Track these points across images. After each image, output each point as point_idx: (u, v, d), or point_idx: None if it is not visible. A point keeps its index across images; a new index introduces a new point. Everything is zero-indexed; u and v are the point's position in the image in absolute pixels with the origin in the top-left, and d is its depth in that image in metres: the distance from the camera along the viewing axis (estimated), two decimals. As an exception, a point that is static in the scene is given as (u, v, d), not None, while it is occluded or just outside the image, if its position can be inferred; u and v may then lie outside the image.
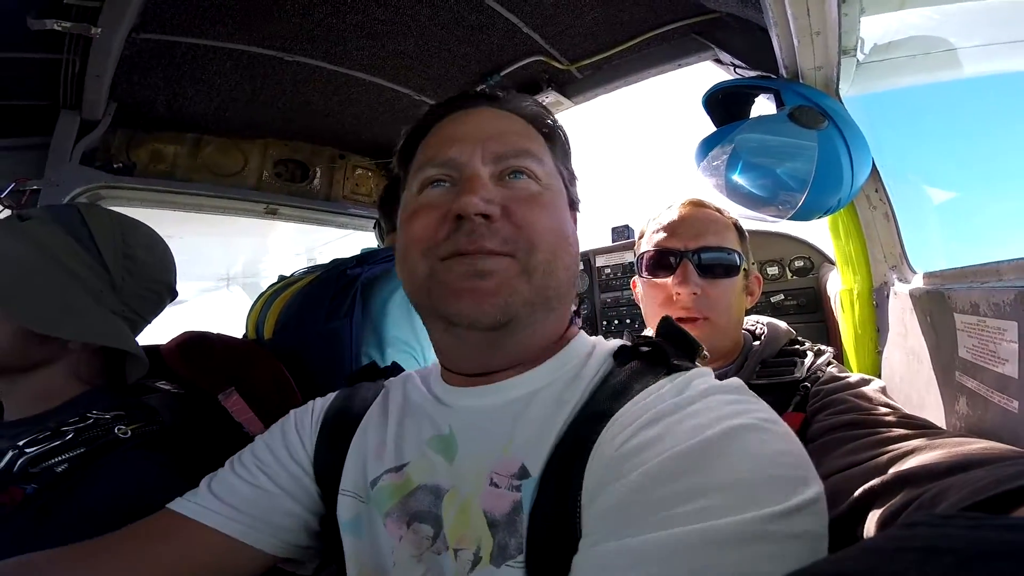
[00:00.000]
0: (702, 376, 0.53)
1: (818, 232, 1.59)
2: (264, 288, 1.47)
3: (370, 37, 1.30)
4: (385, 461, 0.60)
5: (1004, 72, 1.09)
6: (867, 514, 0.61)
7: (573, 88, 1.50)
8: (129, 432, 0.82)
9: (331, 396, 0.74)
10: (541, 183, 0.61)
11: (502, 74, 1.45)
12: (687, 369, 0.55)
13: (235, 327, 1.62)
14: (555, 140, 0.68)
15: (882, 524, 0.56)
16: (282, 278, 1.44)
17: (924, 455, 0.59)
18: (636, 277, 1.20)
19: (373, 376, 0.79)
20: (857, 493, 0.63)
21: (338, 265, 1.31)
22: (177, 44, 1.25)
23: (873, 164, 1.09)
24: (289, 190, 1.78)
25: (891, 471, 0.60)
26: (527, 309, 0.56)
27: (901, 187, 1.16)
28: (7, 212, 1.35)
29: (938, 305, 0.85)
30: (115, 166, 1.49)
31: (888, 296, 1.09)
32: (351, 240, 2.20)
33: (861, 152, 1.04)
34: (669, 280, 1.06)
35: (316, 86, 1.48)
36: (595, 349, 0.63)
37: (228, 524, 0.60)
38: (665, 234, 1.10)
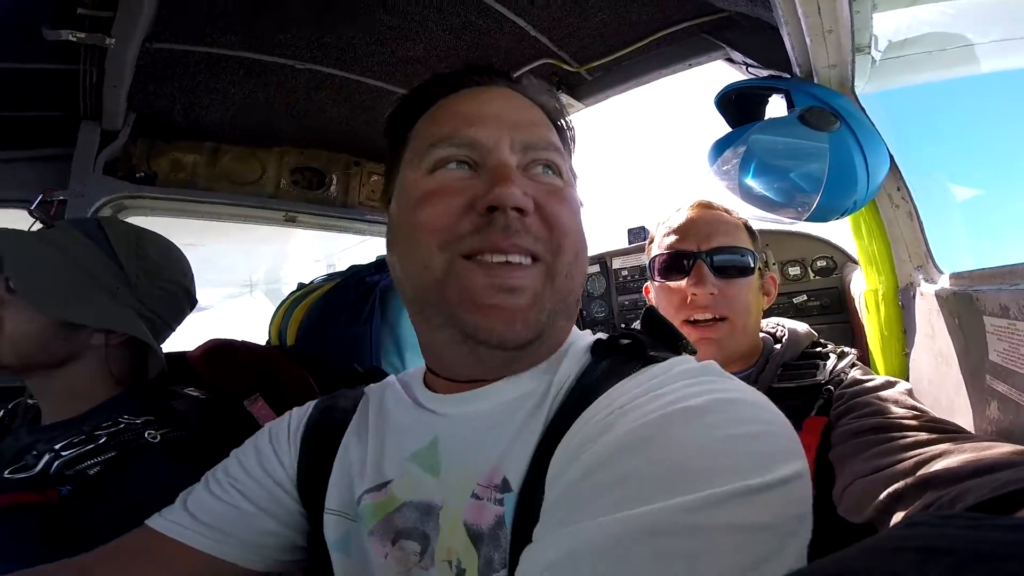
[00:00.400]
0: (679, 364, 0.50)
1: (840, 231, 1.55)
2: (285, 294, 1.50)
3: (379, 44, 1.32)
4: (366, 479, 0.58)
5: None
6: (891, 518, 0.60)
7: (583, 90, 1.49)
8: (158, 436, 0.85)
9: (308, 407, 0.71)
10: (563, 179, 0.59)
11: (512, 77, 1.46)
12: (665, 359, 0.51)
13: (259, 331, 1.65)
14: (566, 137, 0.65)
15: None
16: (302, 286, 1.47)
17: (950, 459, 0.58)
18: (648, 283, 1.19)
19: (353, 382, 0.76)
20: (882, 496, 0.61)
21: (357, 272, 1.34)
22: (190, 53, 1.28)
23: (893, 162, 1.06)
24: (307, 197, 1.81)
25: (916, 474, 0.59)
26: (551, 320, 0.54)
27: (925, 185, 1.12)
28: (37, 224, 1.41)
29: (966, 307, 0.82)
30: (137, 175, 1.54)
31: (914, 297, 1.05)
32: (368, 246, 2.23)
33: (876, 152, 1.01)
34: (683, 282, 1.05)
35: (329, 93, 1.50)
36: (572, 345, 0.59)
37: (203, 542, 0.60)
38: (676, 237, 1.09)
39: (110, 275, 0.91)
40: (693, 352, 0.56)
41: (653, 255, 1.15)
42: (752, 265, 1.07)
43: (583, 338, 0.60)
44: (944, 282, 0.98)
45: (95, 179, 1.45)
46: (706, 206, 1.13)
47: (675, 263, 1.08)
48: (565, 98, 1.47)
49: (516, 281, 0.51)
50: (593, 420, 0.45)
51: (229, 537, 0.61)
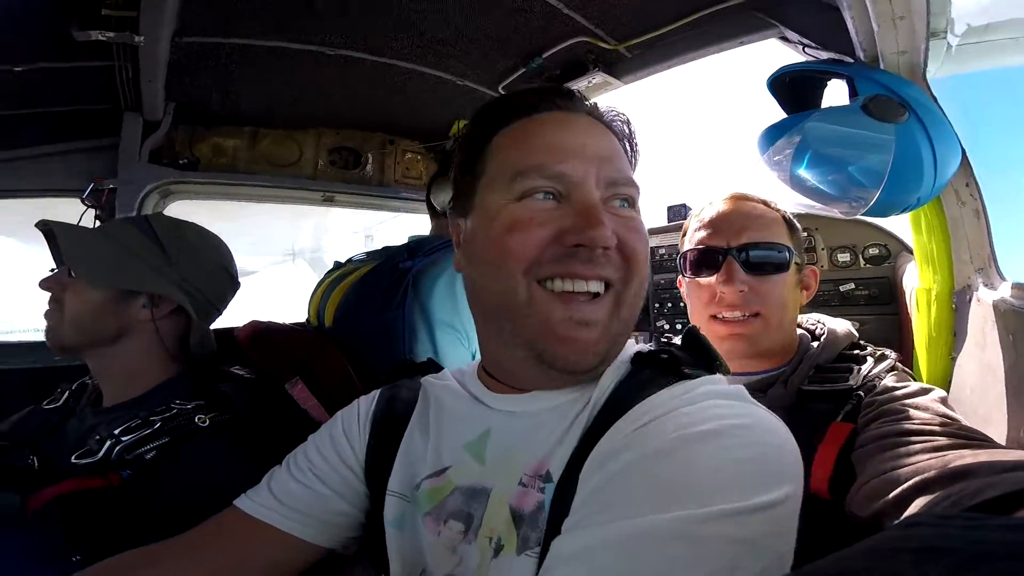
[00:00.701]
0: (708, 383, 0.54)
1: (897, 218, 1.44)
2: (325, 263, 1.55)
3: (407, 27, 1.29)
4: (427, 466, 0.64)
5: None
6: (907, 509, 0.59)
7: (622, 68, 1.41)
8: (207, 421, 0.92)
9: (373, 396, 0.76)
10: (637, 209, 0.63)
11: (544, 56, 1.40)
12: (697, 376, 0.56)
13: (298, 296, 1.73)
14: (633, 160, 0.68)
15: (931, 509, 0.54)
16: (338, 264, 1.52)
17: (984, 456, 0.57)
18: (680, 276, 1.16)
19: (410, 373, 0.81)
20: (904, 486, 0.60)
21: (391, 257, 1.37)
22: (221, 45, 1.30)
23: (964, 156, 0.97)
24: (344, 177, 1.84)
25: (948, 467, 0.57)
26: (615, 345, 0.60)
27: (997, 182, 1.02)
28: (90, 211, 1.51)
29: (1025, 328, 0.77)
30: (181, 162, 1.61)
31: (969, 301, 0.99)
32: (402, 220, 2.26)
33: (947, 145, 0.93)
34: (713, 279, 1.02)
35: (360, 77, 1.50)
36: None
37: (287, 523, 0.67)
38: (707, 231, 1.05)
39: (153, 255, 1.01)
40: (726, 372, 0.60)
41: (684, 250, 1.11)
42: (788, 260, 1.01)
43: (627, 348, 0.64)
44: (1005, 291, 0.91)
45: (141, 167, 1.52)
46: (740, 198, 1.07)
47: (704, 259, 1.04)
48: (602, 76, 1.41)
49: (590, 315, 0.57)
50: (624, 430, 0.50)
51: (309, 518, 0.67)
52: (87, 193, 1.50)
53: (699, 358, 0.60)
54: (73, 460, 0.87)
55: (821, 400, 0.90)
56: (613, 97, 1.50)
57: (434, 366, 0.84)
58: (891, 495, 0.62)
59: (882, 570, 0.22)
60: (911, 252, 1.41)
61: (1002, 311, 0.86)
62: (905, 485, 0.60)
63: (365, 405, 0.76)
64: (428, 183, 1.56)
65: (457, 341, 1.24)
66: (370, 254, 1.49)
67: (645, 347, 0.64)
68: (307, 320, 1.51)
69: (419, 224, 2.10)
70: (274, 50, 1.32)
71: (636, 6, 1.21)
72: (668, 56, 1.33)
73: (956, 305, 1.06)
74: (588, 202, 0.57)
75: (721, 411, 0.48)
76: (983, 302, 0.93)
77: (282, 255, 3.40)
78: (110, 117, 1.48)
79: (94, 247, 1.00)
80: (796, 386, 0.95)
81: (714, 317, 1.03)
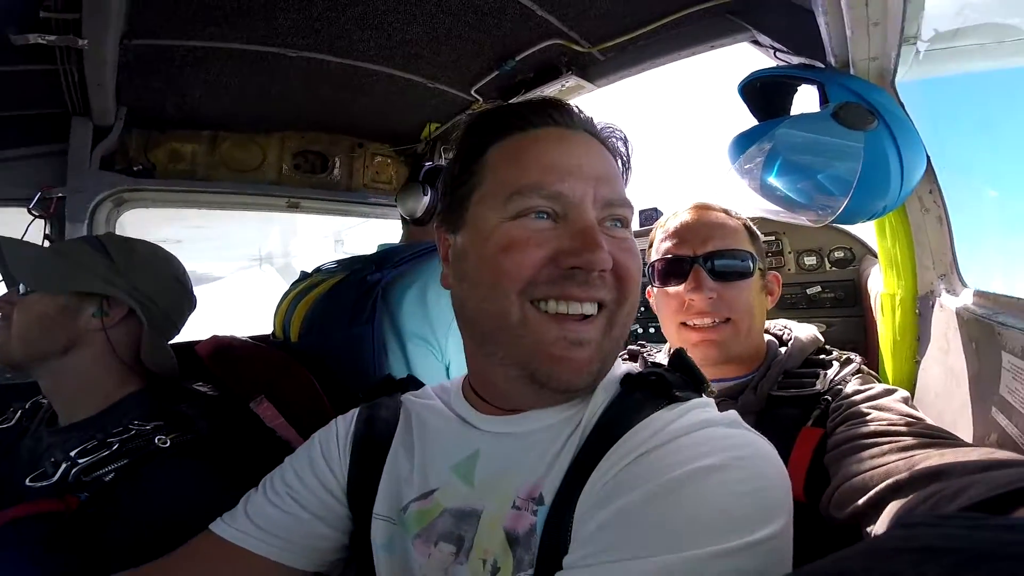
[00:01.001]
0: (700, 407, 0.55)
1: (861, 223, 1.48)
2: (294, 270, 1.50)
3: (373, 28, 1.24)
4: (414, 489, 0.63)
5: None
6: (883, 510, 0.60)
7: (595, 71, 1.40)
8: (168, 441, 0.88)
9: (352, 417, 0.75)
10: (630, 230, 0.63)
11: (518, 59, 1.37)
12: (688, 400, 0.56)
13: (266, 301, 1.66)
14: (626, 177, 0.68)
15: (901, 515, 0.55)
16: (305, 275, 1.47)
17: (956, 455, 0.57)
18: (649, 287, 1.17)
19: (389, 390, 0.80)
20: (877, 489, 0.62)
21: (359, 269, 1.33)
22: (174, 48, 1.22)
23: (929, 163, 0.99)
24: (310, 182, 1.77)
25: (918, 467, 0.58)
26: (605, 364, 0.60)
27: (960, 188, 1.05)
28: (38, 221, 1.41)
29: (986, 336, 0.79)
30: (135, 168, 1.52)
31: (932, 306, 1.02)
32: (372, 224, 2.20)
33: (914, 152, 0.94)
34: (681, 288, 1.03)
35: (325, 79, 1.44)
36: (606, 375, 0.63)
37: (265, 548, 0.65)
38: (673, 241, 1.07)
39: (101, 265, 0.99)
40: (713, 395, 0.61)
41: (651, 260, 1.12)
42: (752, 267, 1.04)
43: (615, 368, 0.64)
44: (967, 298, 0.94)
45: (92, 174, 1.43)
46: (703, 208, 1.10)
47: (672, 268, 1.06)
48: (575, 80, 1.39)
49: (583, 335, 0.57)
50: (622, 459, 0.50)
51: (288, 543, 0.66)
52: (34, 202, 1.40)
53: (688, 380, 0.61)
54: (28, 483, 0.84)
55: (790, 405, 0.93)
56: (587, 100, 1.49)
57: (414, 382, 0.83)
58: (865, 497, 0.63)
59: (882, 570, 0.22)
60: (875, 256, 1.45)
61: (964, 319, 0.88)
62: (879, 487, 0.61)
63: (344, 426, 0.74)
64: (400, 189, 1.52)
65: (430, 354, 1.21)
66: (339, 263, 1.45)
67: (634, 368, 0.64)
68: (272, 334, 1.45)
69: (390, 228, 2.06)
70: (231, 52, 1.25)
71: (609, 9, 1.19)
72: (641, 59, 1.33)
73: (920, 310, 1.08)
74: (585, 223, 0.57)
75: (720, 442, 0.48)
76: (946, 308, 0.95)
77: (249, 260, 3.29)
78: (58, 122, 1.39)
79: (42, 258, 1.00)
80: (766, 392, 0.98)
81: (684, 324, 1.05)
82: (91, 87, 1.21)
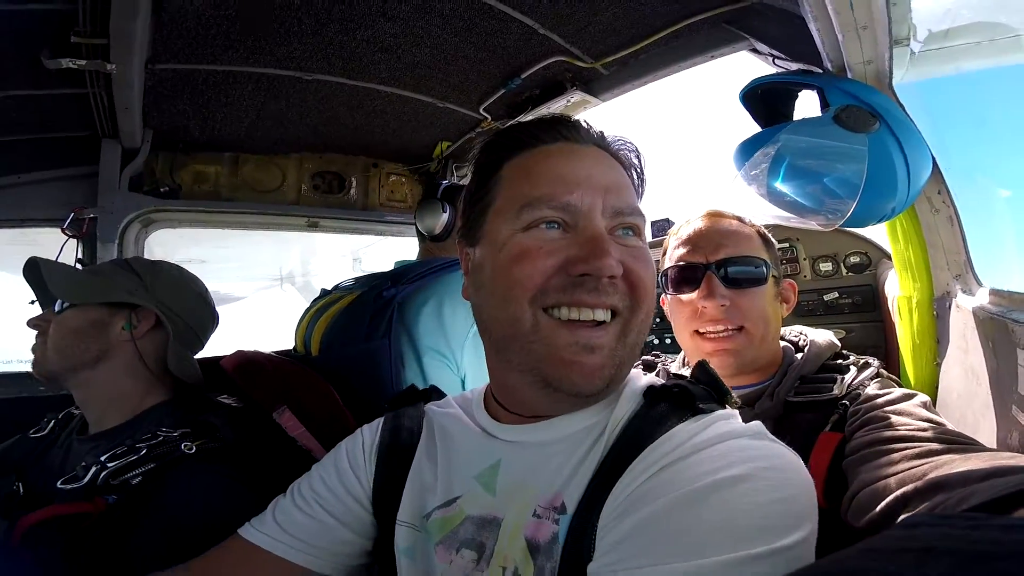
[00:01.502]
0: (724, 419, 0.55)
1: (876, 227, 1.46)
2: (313, 287, 1.54)
3: (384, 51, 1.30)
4: (438, 496, 0.64)
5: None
6: (895, 521, 0.59)
7: (599, 85, 1.43)
8: (194, 448, 0.92)
9: (377, 425, 0.77)
10: (643, 238, 0.64)
11: (523, 76, 1.41)
12: (711, 411, 0.56)
13: (287, 320, 1.71)
14: (640, 189, 0.69)
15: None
16: (325, 292, 1.51)
17: (964, 464, 0.57)
18: (662, 295, 1.17)
19: (413, 400, 0.81)
20: (888, 500, 0.61)
21: (375, 286, 1.36)
22: (196, 72, 1.30)
23: (935, 163, 0.98)
24: (327, 202, 1.83)
25: (925, 479, 0.58)
26: (620, 370, 0.60)
27: (968, 187, 1.03)
28: (71, 241, 1.49)
29: (1002, 334, 0.78)
30: (162, 189, 1.60)
31: (950, 308, 1.00)
32: (388, 243, 2.25)
33: (919, 153, 0.94)
34: (695, 295, 1.03)
35: (340, 101, 1.50)
36: (626, 386, 0.64)
37: (292, 553, 0.67)
38: (686, 248, 1.07)
39: (128, 281, 1.06)
40: (736, 406, 0.61)
41: (664, 268, 1.12)
42: (765, 274, 1.03)
43: (638, 379, 0.65)
44: (983, 297, 0.92)
45: (121, 195, 1.51)
46: (716, 215, 1.10)
47: (685, 275, 1.06)
48: (580, 95, 1.43)
49: (596, 340, 0.57)
50: (647, 470, 0.50)
51: (315, 548, 0.68)
52: (68, 223, 1.48)
53: (711, 392, 0.61)
54: (59, 485, 0.87)
55: (807, 411, 0.91)
56: (597, 114, 1.52)
57: (437, 393, 0.85)
58: (878, 508, 0.62)
59: (883, 570, 0.22)
60: (891, 259, 1.43)
61: (981, 318, 0.86)
62: (889, 499, 0.61)
63: (370, 434, 0.76)
64: (415, 208, 1.57)
65: (445, 367, 1.23)
66: (356, 281, 1.49)
67: (657, 380, 0.65)
68: (294, 348, 1.49)
69: (406, 247, 2.10)
70: (251, 76, 1.32)
71: (609, 24, 1.23)
72: (643, 72, 1.35)
73: (937, 312, 1.06)
74: (594, 232, 0.58)
75: (746, 453, 0.48)
76: (962, 308, 0.93)
77: (270, 280, 3.38)
78: (88, 145, 1.47)
79: (77, 276, 1.09)
80: (783, 398, 0.96)
81: (697, 332, 1.04)
82: (119, 110, 1.29)
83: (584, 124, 0.67)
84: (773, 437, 0.53)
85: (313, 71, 1.34)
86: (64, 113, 1.36)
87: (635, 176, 0.68)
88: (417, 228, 1.54)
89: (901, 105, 0.97)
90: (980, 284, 0.96)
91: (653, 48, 1.28)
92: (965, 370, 0.92)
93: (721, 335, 1.01)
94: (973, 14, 0.90)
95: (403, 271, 1.39)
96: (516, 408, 0.65)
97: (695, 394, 0.58)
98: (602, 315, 0.58)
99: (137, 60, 1.15)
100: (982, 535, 0.22)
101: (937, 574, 0.20)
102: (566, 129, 0.65)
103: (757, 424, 0.55)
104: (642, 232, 0.64)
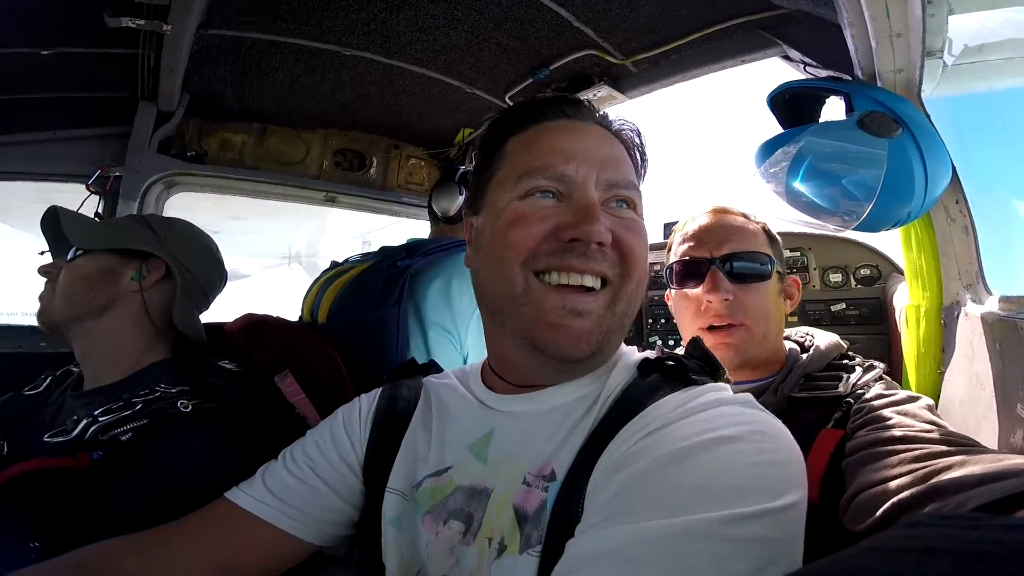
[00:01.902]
0: (715, 390, 0.56)
1: (888, 241, 1.48)
2: (321, 268, 1.56)
3: (422, 31, 1.33)
4: (429, 465, 0.64)
5: None
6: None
7: (627, 82, 1.46)
8: (190, 406, 0.90)
9: (375, 395, 0.77)
10: (638, 212, 0.65)
11: (552, 68, 1.44)
12: (703, 383, 0.57)
13: (294, 300, 1.72)
14: (642, 169, 0.71)
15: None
16: (335, 264, 1.52)
17: (961, 469, 0.57)
18: (667, 290, 1.18)
19: (412, 372, 0.82)
20: (886, 506, 0.62)
21: (389, 256, 1.37)
22: (242, 39, 1.32)
23: (955, 173, 1.00)
24: (347, 179, 1.86)
25: (925, 484, 0.59)
26: (608, 339, 0.61)
27: (987, 199, 1.05)
28: (92, 198, 1.51)
29: (1011, 334, 0.79)
30: (189, 154, 1.62)
31: (958, 316, 1.01)
32: (402, 227, 2.28)
33: (939, 161, 0.96)
34: (699, 289, 1.05)
35: (372, 79, 1.53)
36: (620, 359, 0.65)
37: (280, 518, 0.66)
38: (690, 244, 1.09)
39: (144, 236, 1.07)
40: (729, 382, 0.62)
41: (669, 263, 1.14)
42: (770, 270, 1.05)
43: (631, 354, 0.66)
44: (992, 304, 0.94)
45: (149, 156, 1.54)
46: (721, 211, 1.11)
47: (690, 270, 1.07)
48: (607, 90, 1.45)
49: (583, 305, 0.59)
50: (636, 433, 0.51)
51: (303, 514, 0.67)
52: (93, 180, 1.51)
53: (704, 366, 0.62)
54: (45, 439, 0.85)
55: (811, 407, 0.92)
56: (616, 111, 1.55)
57: (435, 367, 0.86)
58: (877, 513, 0.63)
59: (883, 570, 0.22)
60: (902, 273, 1.45)
61: (989, 322, 0.88)
62: (888, 504, 0.61)
63: (367, 402, 0.76)
64: (431, 190, 1.59)
65: (448, 343, 1.24)
66: (366, 255, 1.50)
67: (652, 354, 0.66)
68: (300, 318, 1.50)
69: (419, 230, 2.12)
70: (292, 48, 1.35)
71: (645, 23, 1.26)
72: (672, 72, 1.38)
73: (945, 321, 1.08)
74: (586, 200, 0.60)
75: (734, 417, 0.49)
76: (971, 316, 0.94)
77: (278, 259, 3.38)
78: (125, 105, 1.50)
79: (93, 224, 1.11)
80: (787, 394, 0.97)
81: (703, 328, 1.05)
82: (163, 72, 1.32)
83: (586, 103, 0.69)
84: (762, 407, 0.54)
85: (352, 46, 1.37)
86: (108, 73, 1.39)
87: (636, 156, 0.70)
88: (431, 209, 1.56)
89: (927, 114, 0.99)
90: (990, 293, 0.98)
91: (685, 49, 1.31)
92: (969, 377, 0.93)
93: (724, 329, 1.03)
94: (1010, 31, 0.91)
95: (417, 245, 1.40)
96: (510, 376, 0.66)
97: (688, 367, 0.59)
98: (591, 281, 0.59)
99: (192, 23, 1.18)
100: (983, 535, 0.22)
101: (938, 574, 0.20)
102: (569, 107, 0.67)
103: (747, 395, 0.55)
104: (637, 206, 0.65)
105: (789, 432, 0.51)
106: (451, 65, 1.47)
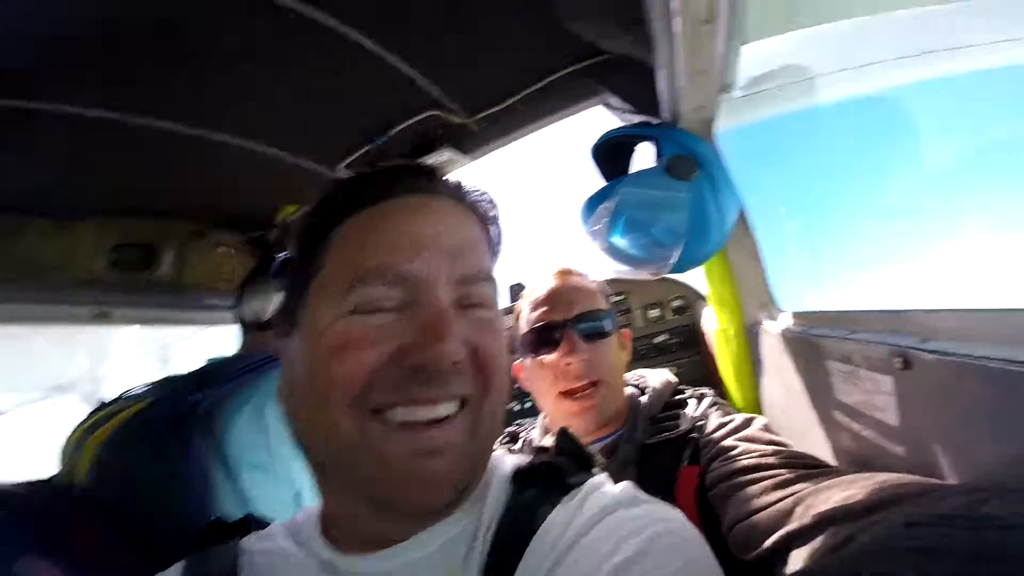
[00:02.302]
0: (595, 490, 0.50)
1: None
2: (105, 395, 1.17)
3: (236, 93, 1.10)
4: None
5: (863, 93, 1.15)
6: (788, 555, 0.61)
7: (470, 143, 1.41)
8: None
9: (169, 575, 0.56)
10: (495, 307, 0.56)
11: (392, 133, 1.33)
12: (581, 484, 0.51)
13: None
14: (498, 247, 0.61)
15: (811, 561, 0.55)
16: (103, 404, 1.14)
17: (838, 492, 0.60)
18: (520, 361, 1.16)
19: (220, 536, 0.61)
20: (776, 537, 0.63)
21: (174, 389, 1.09)
22: None
23: (742, 205, 1.13)
24: (127, 283, 1.45)
25: (810, 514, 0.60)
26: (476, 470, 0.52)
27: (771, 222, 1.23)
28: None
29: (811, 351, 0.90)
30: None
31: (759, 334, 1.16)
32: (213, 333, 1.85)
33: (729, 196, 1.06)
34: (555, 355, 1.05)
35: (169, 152, 1.22)
36: (492, 475, 0.55)
37: None
38: (543, 309, 1.10)
39: None
40: (602, 466, 0.58)
41: (523, 332, 1.13)
42: (611, 326, 1.10)
43: (502, 464, 0.58)
44: (786, 320, 1.09)
45: None
46: (566, 273, 1.15)
47: (544, 336, 1.08)
48: (449, 153, 1.39)
49: (438, 441, 0.47)
50: (542, 563, 0.43)
51: None
52: None
53: (577, 462, 0.57)
54: None
55: (662, 450, 0.96)
56: (457, 175, 1.51)
57: (255, 523, 0.65)
58: (767, 543, 0.65)
59: (883, 570, 0.22)
60: (703, 299, 1.66)
61: (789, 340, 1.00)
62: (775, 537, 0.64)
63: None
64: (240, 286, 1.32)
65: (271, 483, 1.01)
66: (149, 386, 1.17)
67: (523, 461, 0.58)
68: (53, 478, 1.08)
69: (229, 340, 1.75)
70: (57, 115, 1.01)
71: (484, 77, 1.22)
72: (511, 129, 1.37)
73: (749, 340, 1.23)
74: (435, 309, 0.48)
75: (631, 526, 0.44)
76: (771, 334, 1.08)
77: (43, 390, 2.55)
78: None
79: None
80: (639, 442, 1.00)
81: (562, 394, 1.05)
82: None
83: (435, 172, 0.58)
84: (645, 495, 0.50)
85: (141, 113, 1.08)
86: None
87: (492, 232, 0.61)
88: (241, 314, 1.29)
89: (718, 152, 1.06)
90: (781, 310, 1.15)
91: (521, 104, 1.30)
92: (783, 387, 1.05)
93: (587, 393, 1.04)
94: (780, 58, 1.02)
95: (212, 370, 1.15)
96: (354, 537, 0.52)
97: (563, 469, 0.54)
98: (445, 409, 0.48)
99: None
100: (983, 536, 0.22)
101: (938, 574, 0.20)
102: (413, 179, 0.55)
103: (628, 487, 0.51)
104: (493, 301, 0.55)
105: (682, 515, 0.47)
106: (272, 132, 1.25)
